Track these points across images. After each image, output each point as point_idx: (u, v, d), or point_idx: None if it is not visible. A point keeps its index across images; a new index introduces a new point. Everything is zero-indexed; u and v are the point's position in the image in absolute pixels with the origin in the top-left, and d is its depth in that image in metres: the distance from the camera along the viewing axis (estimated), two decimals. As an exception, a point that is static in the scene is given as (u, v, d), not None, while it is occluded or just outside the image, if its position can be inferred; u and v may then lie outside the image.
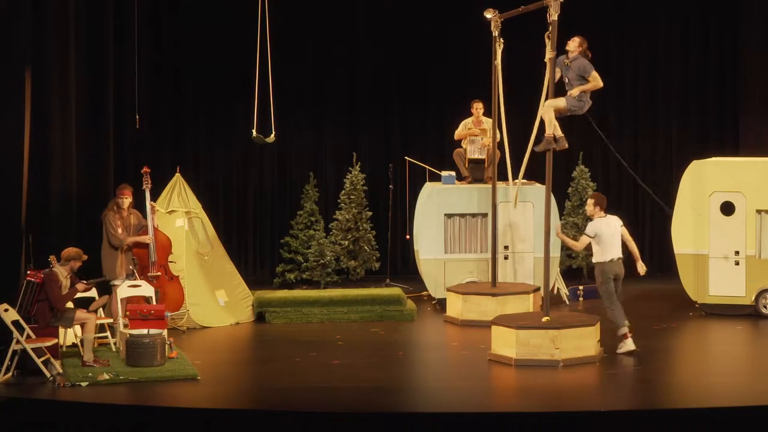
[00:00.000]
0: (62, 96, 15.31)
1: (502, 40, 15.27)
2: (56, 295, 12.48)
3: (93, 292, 13.65)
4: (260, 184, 19.02)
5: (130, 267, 14.05)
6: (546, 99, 13.27)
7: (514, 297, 15.25)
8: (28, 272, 12.65)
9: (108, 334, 13.60)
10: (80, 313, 12.64)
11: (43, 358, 12.11)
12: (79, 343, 13.00)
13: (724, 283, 15.44)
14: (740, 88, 19.33)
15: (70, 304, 12.87)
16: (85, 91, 15.78)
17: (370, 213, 18.21)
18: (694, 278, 15.62)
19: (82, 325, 12.66)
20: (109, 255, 13.87)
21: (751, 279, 15.35)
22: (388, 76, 19.15)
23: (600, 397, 11.85)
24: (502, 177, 15.98)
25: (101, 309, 13.67)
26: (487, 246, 16.17)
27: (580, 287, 17.11)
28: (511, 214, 16.30)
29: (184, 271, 15.04)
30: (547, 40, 13.11)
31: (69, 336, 13.33)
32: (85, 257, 12.95)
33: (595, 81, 13.12)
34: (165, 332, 12.88)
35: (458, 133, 16.91)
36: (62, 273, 12.67)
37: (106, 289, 13.93)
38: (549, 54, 13.10)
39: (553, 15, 13.00)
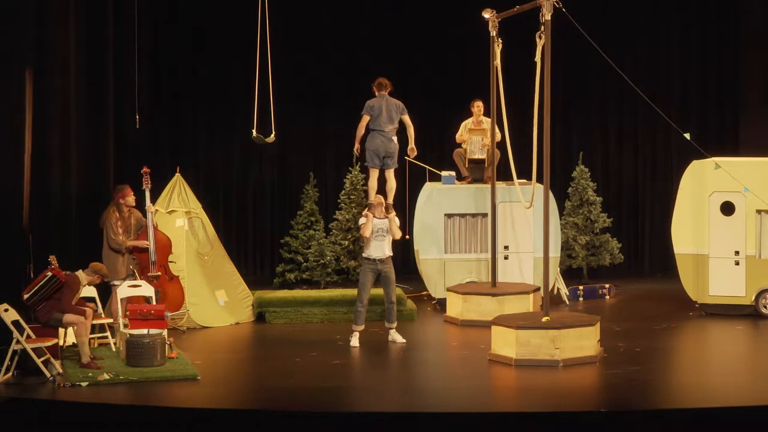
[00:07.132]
0: (63, 96, 15.30)
1: (500, 40, 15.27)
2: (68, 301, 12.47)
3: (93, 292, 13.61)
4: (260, 184, 19.01)
5: (131, 267, 14.06)
6: (541, 98, 13.29)
7: (514, 297, 15.25)
8: (52, 266, 12.57)
9: (108, 334, 13.59)
10: (69, 316, 12.53)
11: (43, 358, 12.10)
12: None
13: (724, 283, 15.44)
14: (740, 88, 19.33)
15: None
16: (85, 92, 15.77)
17: (370, 213, 18.18)
18: (694, 278, 15.61)
19: (74, 329, 12.61)
20: (110, 257, 13.86)
21: (751, 279, 15.34)
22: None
23: (600, 397, 11.85)
24: (502, 177, 15.97)
25: (101, 308, 13.66)
26: (487, 246, 16.16)
27: (580, 287, 17.12)
28: (511, 214, 16.29)
29: (184, 271, 15.04)
30: (538, 40, 13.13)
31: (69, 336, 13.32)
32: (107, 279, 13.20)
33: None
34: (165, 332, 12.87)
35: (459, 136, 16.91)
36: (83, 280, 12.67)
37: (106, 289, 13.92)
38: (539, 54, 13.13)
39: (546, 15, 13.02)
